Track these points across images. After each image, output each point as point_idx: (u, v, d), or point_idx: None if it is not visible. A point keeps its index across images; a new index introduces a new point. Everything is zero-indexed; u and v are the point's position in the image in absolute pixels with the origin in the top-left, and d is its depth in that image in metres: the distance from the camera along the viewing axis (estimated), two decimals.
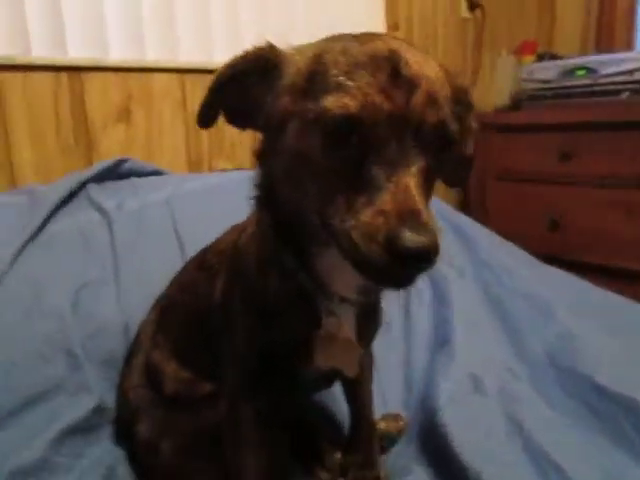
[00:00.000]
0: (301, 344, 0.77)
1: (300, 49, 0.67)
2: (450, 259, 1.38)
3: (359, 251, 0.54)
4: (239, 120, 0.72)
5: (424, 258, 0.52)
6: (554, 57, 2.95)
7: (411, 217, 0.52)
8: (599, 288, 1.42)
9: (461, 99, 0.70)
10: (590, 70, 2.60)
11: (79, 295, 1.13)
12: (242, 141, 2.32)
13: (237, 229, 0.93)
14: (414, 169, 0.56)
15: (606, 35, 3.10)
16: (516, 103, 2.99)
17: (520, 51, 3.06)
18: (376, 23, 2.67)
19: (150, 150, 2.10)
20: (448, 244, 1.44)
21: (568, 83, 2.67)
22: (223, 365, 0.86)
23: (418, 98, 0.57)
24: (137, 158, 2.01)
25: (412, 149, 0.57)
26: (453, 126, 0.60)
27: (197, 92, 2.19)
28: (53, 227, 1.25)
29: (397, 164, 0.55)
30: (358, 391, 0.99)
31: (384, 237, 0.52)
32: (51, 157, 1.88)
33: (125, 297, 1.17)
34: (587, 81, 2.60)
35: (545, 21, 3.35)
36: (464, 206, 3.01)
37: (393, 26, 2.75)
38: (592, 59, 2.67)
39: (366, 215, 0.54)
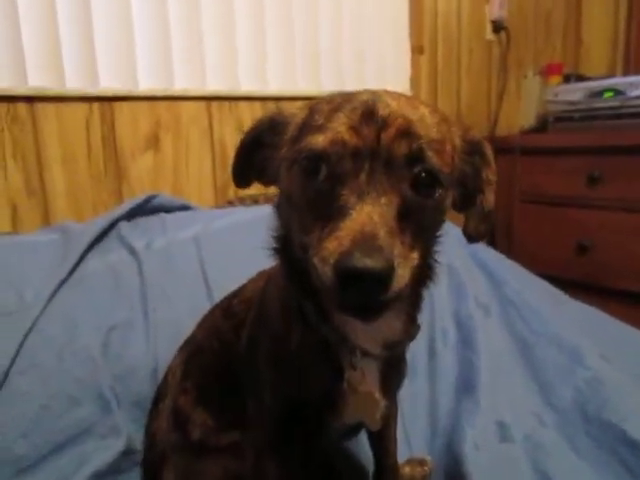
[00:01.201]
0: (325, 398, 0.78)
1: (302, 105, 0.72)
2: (476, 297, 1.37)
3: (318, 277, 0.56)
4: (262, 178, 0.78)
5: (372, 281, 0.52)
6: (581, 78, 2.92)
7: (363, 240, 0.53)
8: (630, 327, 1.39)
9: (476, 150, 0.73)
10: (618, 92, 2.57)
11: (109, 336, 1.16)
12: None
13: (263, 276, 0.96)
14: (383, 200, 0.58)
15: (635, 57, 3.06)
16: (542, 125, 2.96)
17: (546, 72, 3.03)
18: (401, 47, 2.69)
19: (177, 176, 2.14)
20: (474, 280, 1.43)
21: (596, 105, 2.64)
22: (249, 416, 0.87)
23: (389, 133, 0.60)
24: (165, 191, 2.06)
25: (382, 181, 0.59)
26: (433, 160, 0.61)
27: (223, 119, 2.23)
28: (85, 267, 1.28)
29: (364, 194, 0.57)
30: (382, 438, 0.99)
31: (334, 259, 0.53)
32: (82, 184, 1.93)
33: (153, 338, 1.19)
34: (615, 103, 2.57)
35: (570, 42, 3.33)
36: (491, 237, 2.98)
37: (418, 49, 2.76)
38: (620, 81, 2.64)
39: (327, 241, 0.56)
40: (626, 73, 3.14)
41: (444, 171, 0.63)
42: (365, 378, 0.77)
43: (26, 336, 1.09)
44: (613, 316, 1.52)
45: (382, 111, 0.61)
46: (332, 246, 0.55)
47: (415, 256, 0.61)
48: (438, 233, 0.73)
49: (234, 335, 0.93)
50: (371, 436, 1.01)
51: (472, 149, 0.72)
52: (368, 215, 0.56)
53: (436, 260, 0.77)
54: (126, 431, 1.04)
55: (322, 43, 2.43)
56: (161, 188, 2.08)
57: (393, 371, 0.84)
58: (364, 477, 1.05)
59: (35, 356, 1.07)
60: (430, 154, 0.61)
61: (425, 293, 0.78)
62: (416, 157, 0.61)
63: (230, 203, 2.26)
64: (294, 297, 0.77)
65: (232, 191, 2.29)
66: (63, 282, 1.21)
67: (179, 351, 1.10)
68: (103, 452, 0.99)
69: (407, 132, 0.60)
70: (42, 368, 1.06)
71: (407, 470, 1.05)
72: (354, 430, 0.92)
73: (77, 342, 1.12)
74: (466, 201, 0.74)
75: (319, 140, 0.60)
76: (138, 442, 1.06)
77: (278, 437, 0.83)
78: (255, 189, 2.31)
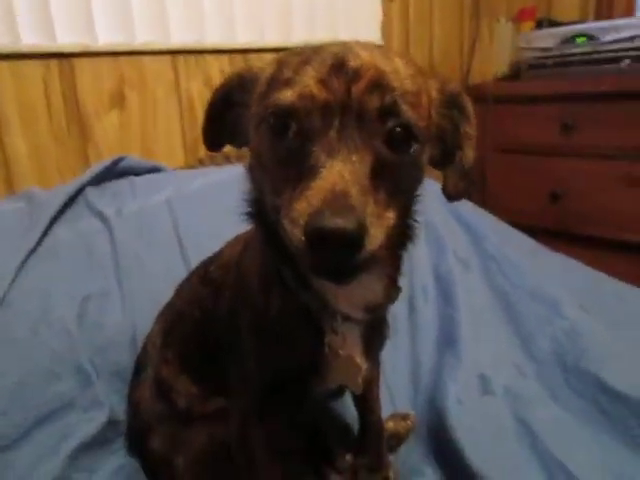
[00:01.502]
0: (307, 363, 0.77)
1: (271, 60, 0.68)
2: (455, 251, 1.37)
3: (288, 239, 0.54)
4: (233, 139, 0.74)
5: (343, 241, 0.49)
6: (553, 24, 2.87)
7: (333, 199, 0.51)
8: (608, 277, 1.41)
9: (454, 103, 0.69)
10: (590, 37, 2.54)
11: (84, 307, 1.13)
12: None
13: (240, 240, 0.93)
14: (355, 157, 0.55)
15: (606, 1, 3.02)
16: (515, 72, 2.93)
17: (519, 18, 2.98)
18: None
19: (145, 135, 2.08)
20: (453, 235, 1.43)
21: (568, 51, 2.61)
22: (232, 382, 0.86)
23: (360, 86, 0.56)
24: (133, 151, 2.00)
25: (353, 137, 0.56)
26: (407, 113, 0.58)
27: (190, 74, 2.15)
28: (54, 236, 1.24)
29: (335, 152, 0.55)
30: (366, 399, 0.99)
31: (304, 220, 0.51)
32: (45, 146, 1.87)
33: (130, 307, 1.16)
34: (587, 49, 2.55)
35: None
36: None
37: None
38: (592, 26, 2.61)
39: (297, 202, 0.54)
40: (598, 18, 3.10)
41: (420, 125, 0.60)
42: (346, 342, 0.76)
43: None
44: (584, 262, 1.54)
45: (353, 62, 0.57)
46: (301, 207, 0.52)
47: (391, 215, 0.58)
48: (417, 192, 0.70)
49: (213, 302, 0.90)
50: (355, 396, 1.01)
51: (450, 102, 0.69)
52: (339, 173, 0.53)
53: (415, 220, 0.74)
54: (108, 402, 1.02)
55: None
56: (128, 148, 2.02)
57: (375, 333, 0.83)
58: (349, 435, 1.06)
59: (8, 331, 1.04)
60: (404, 107, 0.58)
61: (405, 254, 0.76)
62: (389, 110, 0.57)
63: (201, 162, 2.21)
64: (271, 263, 0.75)
65: (203, 149, 2.23)
66: (31, 252, 1.17)
67: (157, 319, 1.07)
68: (86, 424, 0.97)
69: (379, 84, 0.57)
70: (17, 343, 1.03)
71: (391, 425, 1.06)
72: (337, 393, 0.92)
73: (51, 314, 1.08)
74: (445, 158, 0.71)
75: (287, 95, 0.57)
76: (121, 412, 1.04)
77: (262, 403, 0.82)
78: (228, 147, 2.28)
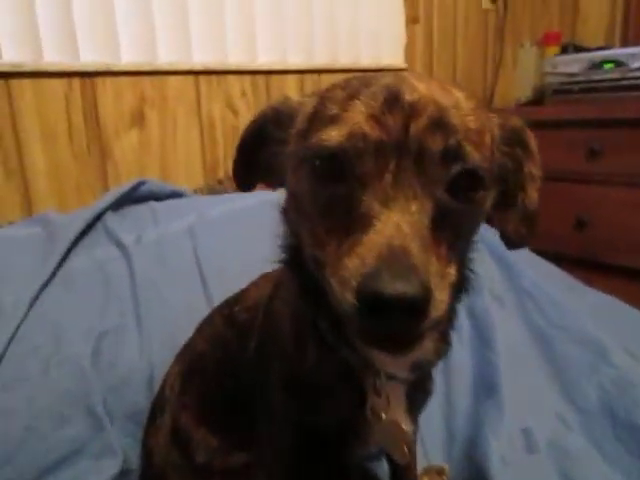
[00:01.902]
0: (345, 425, 0.69)
1: (311, 95, 0.61)
2: (491, 289, 1.29)
3: (336, 302, 0.47)
4: (268, 178, 0.68)
5: (403, 309, 0.42)
6: (578, 49, 2.84)
7: (392, 258, 0.43)
8: None
9: (516, 140, 0.62)
10: (619, 63, 2.49)
11: (99, 343, 1.06)
12: None
13: (268, 281, 0.85)
14: (414, 207, 0.48)
15: (634, 27, 2.98)
16: (539, 97, 2.88)
17: (543, 42, 2.94)
18: (395, 17, 2.58)
19: (164, 155, 2.06)
20: (487, 270, 1.34)
21: (595, 77, 2.57)
22: (258, 438, 0.79)
23: (419, 123, 0.49)
24: (152, 170, 1.99)
25: (412, 183, 0.48)
26: (473, 155, 0.51)
27: (212, 94, 2.14)
28: (70, 265, 1.18)
29: (390, 200, 0.47)
30: None
31: (357, 281, 0.44)
32: (64, 164, 1.86)
33: (147, 344, 1.09)
34: (616, 75, 2.50)
35: (568, 11, 3.23)
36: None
37: (412, 19, 2.66)
38: (621, 52, 2.56)
39: (347, 258, 0.46)
40: (624, 44, 3.05)
41: (485, 169, 0.53)
42: (390, 404, 0.67)
43: (8, 346, 0.98)
44: (608, 292, 1.47)
45: (409, 96, 0.50)
46: (353, 265, 0.45)
47: (452, 271, 0.51)
48: (474, 239, 0.63)
49: (239, 345, 0.82)
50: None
51: (513, 139, 0.62)
52: (396, 225, 0.46)
53: (471, 270, 0.67)
54: (121, 449, 0.95)
55: (314, 12, 2.32)
56: (147, 167, 2.01)
57: (418, 390, 0.75)
58: None
59: (19, 368, 0.97)
60: (469, 149, 0.50)
61: (460, 308, 0.68)
62: (454, 154, 0.50)
63: (220, 183, 2.18)
64: (308, 314, 0.67)
65: (222, 170, 2.20)
66: (47, 283, 1.11)
67: (176, 359, 1.00)
68: (97, 475, 0.90)
69: (441, 122, 0.50)
70: (27, 382, 0.96)
71: None
72: (377, 455, 0.84)
73: (65, 350, 1.01)
74: (505, 200, 0.63)
75: (332, 134, 0.50)
76: (134, 460, 0.97)
77: (292, 468, 0.74)
78: None
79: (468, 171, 0.51)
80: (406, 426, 0.70)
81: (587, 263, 2.49)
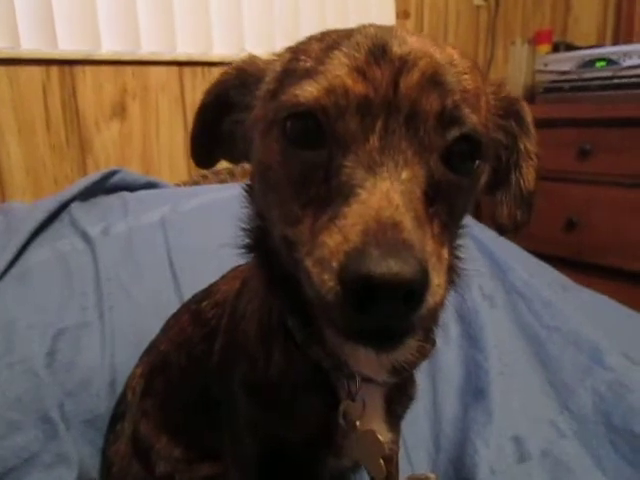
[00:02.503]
0: (315, 434, 0.62)
1: (281, 52, 0.54)
2: (481, 287, 1.24)
3: (312, 288, 0.39)
4: (227, 150, 0.60)
5: (397, 294, 0.35)
6: (570, 47, 2.85)
7: (382, 232, 0.37)
8: None
9: (511, 111, 0.56)
10: (611, 62, 2.48)
11: (56, 343, 0.98)
12: None
13: (238, 274, 0.77)
14: (405, 174, 0.41)
15: (625, 26, 2.96)
16: (530, 95, 2.86)
17: (535, 40, 2.93)
18: (386, 10, 2.55)
19: (146, 148, 2.03)
20: (475, 265, 1.29)
21: (587, 75, 2.56)
22: (223, 449, 0.72)
23: (411, 79, 0.43)
24: (134, 163, 1.95)
25: (402, 147, 0.42)
26: (472, 119, 0.45)
27: (196, 86, 2.10)
28: (30, 257, 1.10)
29: (376, 166, 0.41)
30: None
31: (339, 261, 0.37)
32: (42, 156, 1.83)
33: (110, 343, 1.01)
34: (607, 73, 2.49)
35: (560, 9, 3.23)
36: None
37: (403, 14, 2.65)
38: (613, 50, 2.55)
39: (325, 235, 0.39)
40: (616, 42, 3.04)
41: (484, 135, 0.47)
42: (365, 411, 0.60)
43: None
44: (600, 293, 1.43)
45: (398, 48, 0.44)
46: (334, 242, 0.38)
47: (446, 255, 0.45)
48: (464, 221, 0.55)
49: (206, 347, 0.75)
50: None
51: (507, 110, 0.55)
52: (385, 195, 0.39)
53: (459, 258, 0.59)
54: (76, 458, 0.87)
55: (303, 5, 2.29)
56: (129, 160, 1.97)
57: (400, 395, 0.67)
58: None
59: None
60: (468, 111, 0.44)
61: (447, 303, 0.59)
62: (451, 116, 0.44)
63: (205, 178, 2.12)
64: (274, 310, 0.60)
65: None
66: (1, 276, 1.03)
67: (141, 360, 0.92)
68: None
69: (437, 80, 0.44)
70: None
71: None
72: (353, 469, 0.76)
73: (17, 351, 0.93)
74: (498, 180, 0.57)
75: (308, 89, 0.43)
76: (94, 469, 0.90)
77: (258, 478, 0.67)
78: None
79: (466, 136, 0.45)
80: (383, 436, 0.63)
81: (576, 264, 2.47)
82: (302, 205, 0.44)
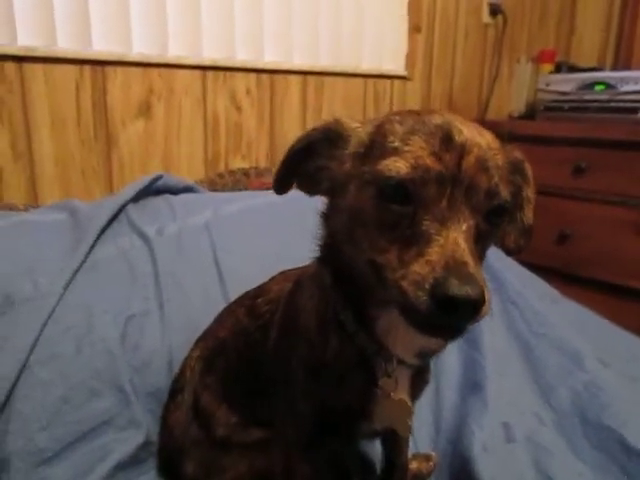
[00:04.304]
0: (358, 405, 0.80)
1: (364, 122, 0.72)
2: None
3: (407, 299, 0.57)
4: (307, 186, 0.77)
5: (468, 307, 0.54)
6: (572, 68, 2.95)
7: (457, 267, 0.55)
8: (624, 331, 1.45)
9: (518, 169, 0.75)
10: (609, 86, 2.60)
11: (127, 327, 1.15)
12: (258, 141, 2.33)
13: (287, 278, 0.96)
14: (464, 227, 0.59)
15: (625, 50, 3.10)
16: (531, 112, 2.99)
17: (539, 59, 3.05)
18: (398, 25, 2.66)
19: (168, 146, 2.11)
20: None
21: (586, 97, 2.67)
22: (279, 417, 0.89)
23: (469, 162, 0.61)
24: (155, 161, 2.04)
25: (462, 209, 0.60)
26: (504, 194, 0.64)
27: (217, 89, 2.19)
28: (97, 252, 1.25)
29: (447, 220, 0.59)
30: (396, 438, 1.02)
31: (430, 285, 0.54)
32: (71, 149, 1.89)
33: (168, 329, 1.18)
34: (605, 96, 2.60)
35: (564, 30, 3.35)
36: None
37: (415, 28, 2.74)
38: (612, 75, 2.67)
39: (415, 265, 0.57)
40: (615, 65, 3.18)
41: (510, 202, 0.66)
42: (398, 385, 0.79)
43: (44, 325, 1.07)
44: (587, 306, 1.59)
45: (458, 137, 0.62)
46: (424, 271, 0.55)
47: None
48: None
49: (260, 336, 0.93)
50: (385, 437, 1.04)
51: (514, 168, 0.74)
52: (455, 241, 0.57)
53: None
54: (145, 423, 1.04)
55: (320, 17, 2.39)
56: (151, 157, 2.06)
57: (419, 379, 0.87)
58: (373, 474, 1.08)
59: (54, 346, 1.06)
60: (502, 188, 0.63)
61: None
62: (494, 192, 0.62)
63: (221, 177, 2.24)
64: (332, 307, 0.78)
65: (223, 163, 2.27)
66: (78, 269, 1.18)
67: (196, 344, 1.10)
68: (123, 444, 0.99)
69: (485, 163, 0.62)
70: (61, 359, 1.05)
71: (414, 465, 1.09)
72: (379, 434, 0.95)
73: (95, 332, 1.10)
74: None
75: (400, 165, 0.60)
76: (154, 433, 1.06)
77: (310, 440, 0.85)
78: (245, 162, 2.32)
79: (500, 205, 0.64)
80: (411, 404, 0.83)
81: (566, 276, 2.60)
82: (389, 241, 0.62)
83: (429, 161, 0.60)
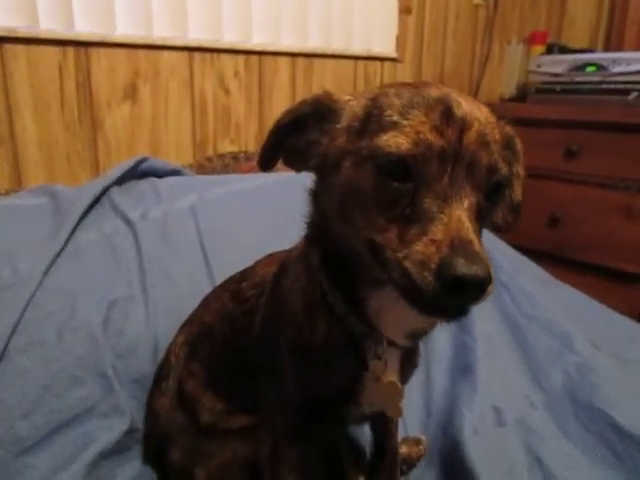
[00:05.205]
0: (347, 388, 0.79)
1: (356, 95, 0.69)
2: None
3: (411, 280, 0.55)
4: (295, 161, 0.74)
5: (476, 287, 0.52)
6: (563, 49, 2.92)
7: (463, 246, 0.53)
8: (615, 313, 1.44)
9: (509, 145, 0.72)
10: (600, 67, 2.58)
11: (110, 312, 1.12)
12: (247, 124, 2.30)
13: (273, 261, 0.94)
14: (466, 203, 0.57)
15: (616, 32, 3.08)
16: (522, 95, 2.97)
17: (530, 41, 3.02)
18: (389, 6, 2.62)
19: (155, 130, 2.08)
20: None
21: (577, 78, 2.65)
22: (265, 403, 0.87)
23: (470, 137, 0.59)
24: (142, 144, 2.01)
25: (464, 185, 0.58)
26: (504, 169, 0.62)
27: (205, 71, 2.15)
28: (79, 237, 1.23)
29: (449, 198, 0.57)
30: (387, 422, 1.01)
31: (437, 265, 0.52)
32: (54, 133, 1.86)
33: (153, 314, 1.16)
34: (597, 78, 2.58)
35: (555, 11, 3.31)
36: None
37: (405, 10, 2.70)
38: (603, 56, 2.65)
39: (419, 244, 0.55)
40: (607, 47, 3.15)
41: (507, 178, 0.65)
42: (387, 368, 0.78)
43: (24, 311, 1.04)
44: (578, 288, 1.59)
45: (458, 111, 0.59)
46: (429, 250, 0.54)
47: None
48: None
49: (246, 320, 0.91)
50: (374, 421, 1.02)
51: (506, 144, 0.71)
52: (459, 219, 0.55)
53: None
54: (128, 410, 1.03)
55: None
56: (138, 141, 2.03)
57: (408, 363, 0.85)
58: (363, 458, 1.07)
59: (34, 333, 1.03)
60: (502, 165, 0.62)
61: None
62: (494, 168, 0.61)
63: (209, 160, 2.21)
64: (320, 288, 0.76)
65: (211, 146, 2.24)
66: (59, 253, 1.16)
67: (180, 330, 1.08)
68: (107, 432, 0.97)
69: (485, 139, 0.60)
70: (42, 346, 1.02)
71: (404, 449, 1.08)
72: (368, 418, 0.94)
73: (77, 318, 1.08)
74: None
75: (400, 141, 0.58)
76: (139, 420, 1.05)
77: (298, 426, 0.84)
78: (234, 146, 2.29)
79: (499, 182, 0.63)
80: (401, 386, 0.81)
81: (557, 259, 2.60)
82: (387, 219, 0.59)
83: (431, 136, 0.58)
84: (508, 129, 0.72)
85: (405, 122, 0.59)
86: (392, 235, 0.58)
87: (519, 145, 0.74)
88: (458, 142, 0.58)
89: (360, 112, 0.65)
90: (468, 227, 0.55)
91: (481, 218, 0.61)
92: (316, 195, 0.74)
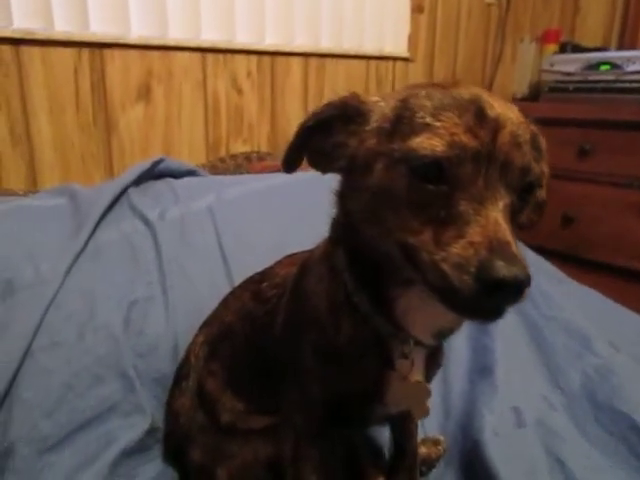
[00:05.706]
0: (373, 388, 0.78)
1: (384, 97, 0.69)
2: None
3: (449, 283, 0.54)
4: (321, 163, 0.73)
5: (516, 289, 0.52)
6: (576, 48, 2.90)
7: (502, 248, 0.53)
8: (629, 311, 1.43)
9: (534, 143, 0.71)
10: (614, 66, 2.56)
11: (130, 312, 1.13)
12: (259, 124, 2.31)
13: (293, 262, 0.94)
14: (501, 205, 0.57)
15: (630, 30, 3.05)
16: (535, 93, 2.95)
17: (543, 39, 3.00)
18: (401, 5, 2.62)
19: (168, 130, 2.09)
20: None
21: (591, 77, 2.64)
22: (287, 403, 0.87)
23: (504, 137, 0.59)
24: (155, 145, 2.03)
25: (498, 187, 0.58)
26: (536, 169, 0.62)
27: (218, 72, 2.16)
28: (99, 237, 1.24)
29: (484, 199, 0.57)
30: (407, 423, 1.01)
31: (476, 268, 0.52)
32: (70, 134, 1.88)
33: (173, 314, 1.16)
34: (611, 77, 2.57)
35: (568, 10, 3.29)
36: None
37: (417, 8, 2.70)
38: (617, 55, 2.63)
39: (456, 247, 0.55)
40: (620, 45, 3.13)
41: (539, 178, 0.66)
42: (414, 367, 0.77)
43: (46, 311, 1.05)
44: (591, 287, 1.58)
45: (491, 112, 0.59)
46: (467, 253, 0.53)
47: None
48: None
49: (268, 320, 0.91)
50: (395, 421, 1.02)
51: (534, 141, 0.70)
52: (496, 221, 0.55)
53: None
54: (150, 409, 1.03)
55: None
56: (151, 142, 2.04)
57: (432, 362, 0.85)
58: (382, 458, 1.07)
59: (56, 333, 1.04)
60: (534, 165, 0.62)
61: None
62: (527, 168, 0.61)
63: (222, 161, 2.22)
64: (344, 289, 0.75)
65: (224, 147, 2.25)
66: (79, 254, 1.17)
67: (200, 330, 1.08)
68: (129, 430, 0.98)
69: (518, 140, 0.60)
70: (64, 345, 1.03)
71: (423, 450, 1.07)
72: (392, 417, 0.94)
73: (98, 318, 1.09)
74: None
75: (435, 143, 0.57)
76: (160, 419, 1.05)
77: (320, 430, 0.84)
78: (247, 146, 2.30)
79: (531, 182, 0.63)
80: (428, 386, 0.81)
81: (571, 258, 2.59)
82: (421, 221, 0.59)
83: (465, 138, 0.57)
84: (533, 127, 0.71)
85: (438, 124, 0.58)
86: (427, 237, 0.58)
87: (543, 143, 0.73)
88: (492, 143, 0.58)
89: (390, 113, 0.65)
90: (505, 228, 0.55)
91: (514, 217, 0.61)
92: (342, 197, 0.73)
